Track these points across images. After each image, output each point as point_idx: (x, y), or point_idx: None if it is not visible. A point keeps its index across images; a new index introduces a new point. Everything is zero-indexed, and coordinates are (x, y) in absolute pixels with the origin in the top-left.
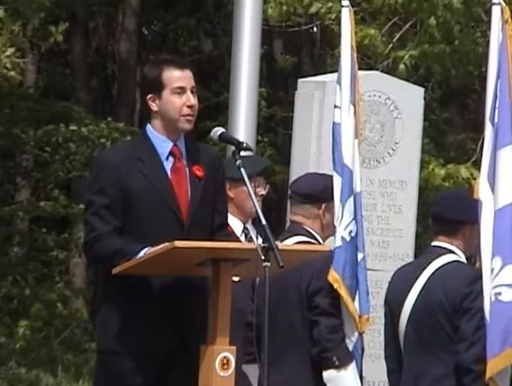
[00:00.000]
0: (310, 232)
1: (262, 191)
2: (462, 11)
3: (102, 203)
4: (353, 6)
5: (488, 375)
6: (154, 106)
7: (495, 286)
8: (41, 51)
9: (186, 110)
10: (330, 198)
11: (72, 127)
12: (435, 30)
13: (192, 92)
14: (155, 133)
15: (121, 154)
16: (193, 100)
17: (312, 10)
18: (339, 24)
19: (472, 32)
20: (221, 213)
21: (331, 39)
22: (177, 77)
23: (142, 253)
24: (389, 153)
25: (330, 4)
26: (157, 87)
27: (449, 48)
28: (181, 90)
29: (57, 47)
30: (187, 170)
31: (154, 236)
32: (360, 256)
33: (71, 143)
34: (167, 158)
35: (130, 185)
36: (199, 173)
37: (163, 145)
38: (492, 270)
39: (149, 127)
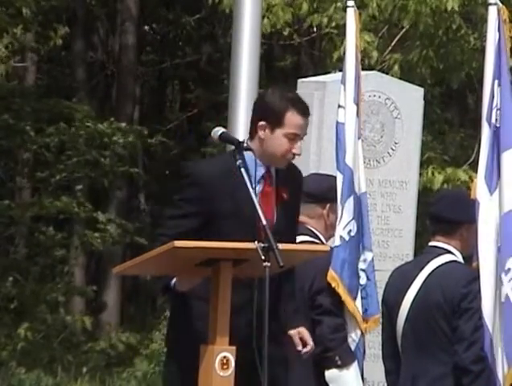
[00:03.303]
0: (313, 232)
1: None
2: (457, 13)
3: (183, 212)
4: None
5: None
6: (261, 134)
7: None
8: (41, 51)
9: (290, 156)
10: (335, 198)
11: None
12: (423, 36)
13: (301, 138)
14: (251, 155)
15: (215, 170)
16: (300, 151)
17: (314, 23)
18: (339, 33)
19: (467, 34)
20: (295, 228)
21: (330, 47)
22: (297, 124)
23: (172, 282)
24: (388, 153)
25: (331, 11)
26: (274, 121)
27: (435, 53)
28: (295, 136)
29: (57, 47)
30: (274, 194)
31: None
32: (369, 255)
33: (73, 144)
34: (258, 182)
35: (219, 203)
36: (285, 195)
37: (256, 169)
38: (508, 271)
39: (246, 147)
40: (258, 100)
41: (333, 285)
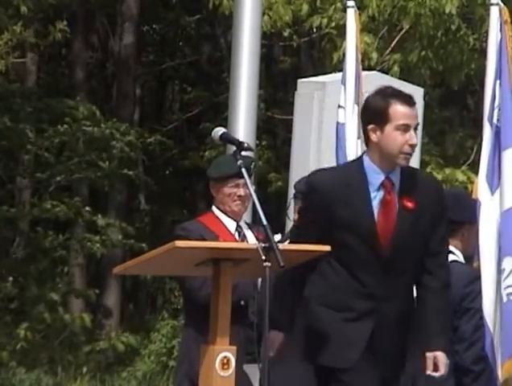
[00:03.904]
0: None
1: (241, 192)
2: (457, 15)
3: (304, 220)
4: None
5: (504, 375)
6: (374, 137)
7: (507, 286)
8: (41, 51)
9: (407, 148)
10: None
11: (78, 125)
12: (423, 36)
13: (415, 129)
14: (370, 163)
15: (332, 180)
16: (416, 140)
17: (315, 24)
18: (339, 33)
19: (467, 35)
20: (437, 241)
21: (330, 47)
22: (404, 114)
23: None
24: None
25: (331, 12)
26: (381, 119)
27: (434, 54)
28: (406, 127)
29: (57, 47)
30: (396, 202)
31: (352, 266)
32: None
33: (73, 145)
34: (378, 190)
35: (335, 212)
36: (409, 204)
37: (375, 176)
38: (503, 270)
39: (366, 156)
40: (362, 109)
41: None
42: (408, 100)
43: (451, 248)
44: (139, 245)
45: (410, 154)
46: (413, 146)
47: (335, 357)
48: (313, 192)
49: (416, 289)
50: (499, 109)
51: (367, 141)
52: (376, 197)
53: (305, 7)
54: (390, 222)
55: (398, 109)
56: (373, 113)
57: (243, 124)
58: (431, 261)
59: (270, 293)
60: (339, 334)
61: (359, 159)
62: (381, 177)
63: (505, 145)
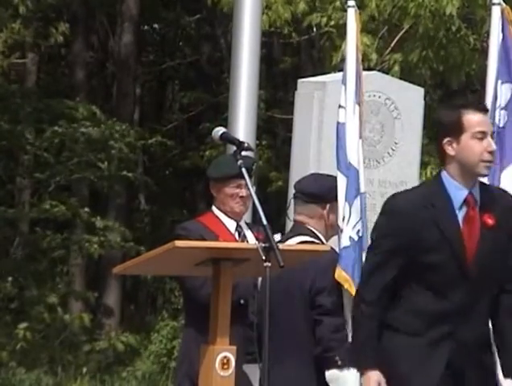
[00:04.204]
0: (313, 232)
1: (243, 193)
2: (457, 15)
3: (385, 249)
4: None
5: None
6: (450, 150)
7: None
8: (41, 51)
9: (487, 156)
10: (335, 198)
11: (77, 126)
12: (424, 36)
13: (491, 136)
14: (450, 179)
15: (414, 201)
16: (494, 146)
17: (313, 22)
18: (339, 33)
19: (467, 35)
20: None
21: (330, 46)
22: (478, 121)
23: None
24: (388, 153)
25: (330, 11)
26: (456, 130)
27: (435, 54)
28: (482, 135)
29: (57, 47)
30: (478, 219)
31: (437, 287)
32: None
33: (74, 145)
34: (461, 207)
35: (421, 234)
36: (490, 221)
37: (457, 193)
38: None
39: (444, 173)
40: (434, 124)
41: (346, 286)
42: (479, 107)
43: None
44: (137, 248)
45: (491, 162)
46: (492, 153)
47: (412, 382)
48: (397, 216)
49: (493, 308)
50: (501, 109)
51: (443, 156)
52: (460, 214)
53: (301, 5)
54: (474, 239)
55: (471, 118)
56: (447, 126)
57: (243, 124)
58: (508, 280)
59: (355, 330)
60: (417, 359)
61: (437, 178)
62: (465, 192)
63: None
